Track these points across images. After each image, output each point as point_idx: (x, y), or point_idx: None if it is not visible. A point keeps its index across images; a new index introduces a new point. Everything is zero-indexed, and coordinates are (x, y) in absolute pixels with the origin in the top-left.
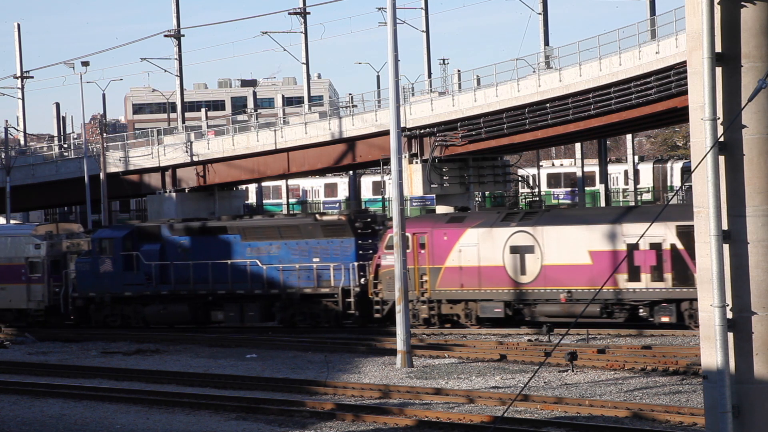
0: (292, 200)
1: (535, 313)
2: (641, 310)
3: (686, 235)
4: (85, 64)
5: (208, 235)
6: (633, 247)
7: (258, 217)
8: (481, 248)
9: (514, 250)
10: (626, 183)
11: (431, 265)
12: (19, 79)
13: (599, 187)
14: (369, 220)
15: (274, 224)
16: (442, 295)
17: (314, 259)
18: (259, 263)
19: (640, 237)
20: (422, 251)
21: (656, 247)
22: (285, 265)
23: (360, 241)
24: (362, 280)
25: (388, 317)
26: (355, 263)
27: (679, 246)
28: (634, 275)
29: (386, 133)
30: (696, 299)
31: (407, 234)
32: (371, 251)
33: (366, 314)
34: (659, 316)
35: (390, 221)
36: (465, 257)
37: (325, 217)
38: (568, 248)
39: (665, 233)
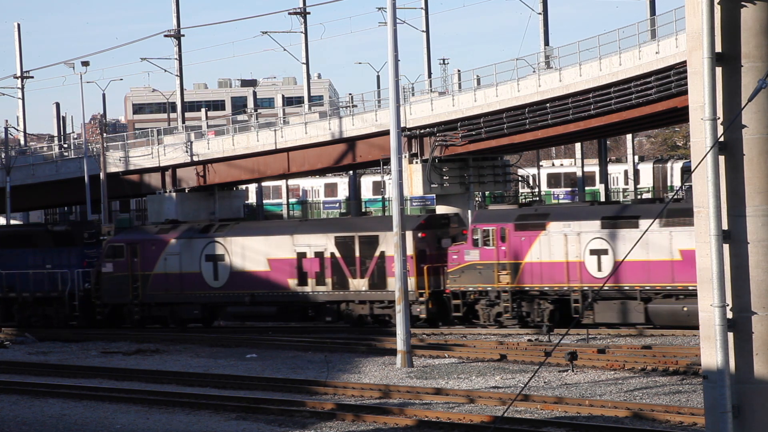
0: (292, 200)
1: (226, 314)
2: (310, 311)
3: (343, 245)
4: (85, 64)
5: None
6: (302, 256)
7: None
8: (182, 257)
9: (209, 258)
10: (626, 183)
11: (142, 272)
12: (19, 79)
13: (599, 187)
14: (95, 230)
15: (13, 232)
16: (152, 299)
17: (47, 266)
18: None
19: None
20: (135, 259)
21: (319, 255)
22: (22, 270)
23: (86, 250)
24: (87, 285)
25: (110, 319)
26: (81, 270)
27: (338, 255)
28: (302, 280)
29: (386, 133)
30: (351, 301)
31: (121, 245)
32: (96, 259)
33: (91, 316)
34: (324, 317)
35: (113, 234)
36: (169, 265)
37: (55, 227)
38: (252, 257)
39: (326, 243)
